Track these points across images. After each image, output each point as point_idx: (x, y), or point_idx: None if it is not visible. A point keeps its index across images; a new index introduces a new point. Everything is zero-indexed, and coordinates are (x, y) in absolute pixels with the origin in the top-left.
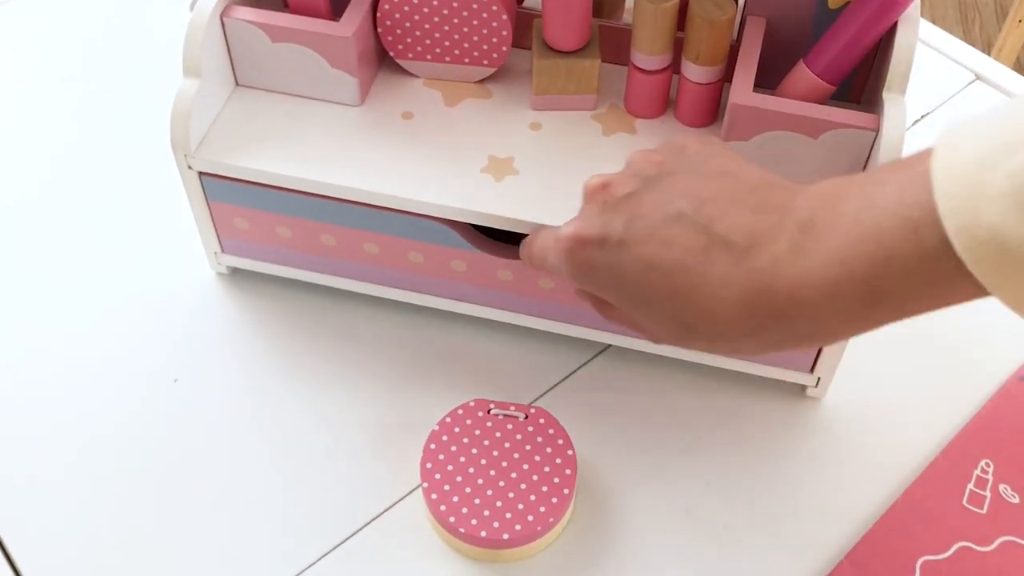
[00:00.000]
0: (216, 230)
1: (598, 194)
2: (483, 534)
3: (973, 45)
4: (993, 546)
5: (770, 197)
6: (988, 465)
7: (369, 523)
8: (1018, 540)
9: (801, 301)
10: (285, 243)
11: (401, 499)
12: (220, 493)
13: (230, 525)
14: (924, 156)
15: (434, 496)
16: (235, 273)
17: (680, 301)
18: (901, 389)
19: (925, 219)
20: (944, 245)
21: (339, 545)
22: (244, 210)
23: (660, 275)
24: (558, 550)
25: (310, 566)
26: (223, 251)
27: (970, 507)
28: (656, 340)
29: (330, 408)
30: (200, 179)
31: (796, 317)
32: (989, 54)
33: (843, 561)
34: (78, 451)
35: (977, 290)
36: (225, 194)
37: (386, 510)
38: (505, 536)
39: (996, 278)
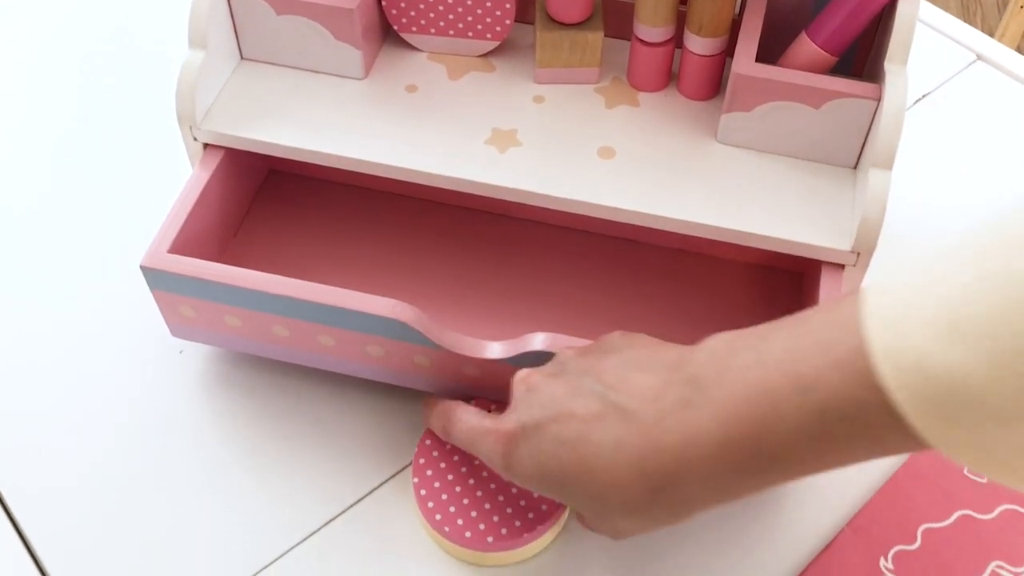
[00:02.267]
0: (162, 316)
1: (519, 387)
2: (468, 535)
3: None
4: (994, 514)
5: (663, 357)
6: None
7: (340, 514)
8: (1019, 508)
9: (688, 459)
10: (235, 331)
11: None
12: (201, 490)
13: (212, 516)
14: (827, 307)
15: (423, 492)
16: None
17: (587, 474)
18: None
19: (835, 363)
20: (858, 387)
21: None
22: (190, 300)
23: (569, 449)
24: (545, 558)
25: (285, 553)
26: (171, 334)
27: (971, 475)
28: (594, 530)
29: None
30: (142, 271)
31: (686, 476)
32: None
33: (845, 528)
34: (75, 443)
35: (894, 437)
36: (169, 284)
37: (361, 499)
38: (490, 539)
39: (924, 415)
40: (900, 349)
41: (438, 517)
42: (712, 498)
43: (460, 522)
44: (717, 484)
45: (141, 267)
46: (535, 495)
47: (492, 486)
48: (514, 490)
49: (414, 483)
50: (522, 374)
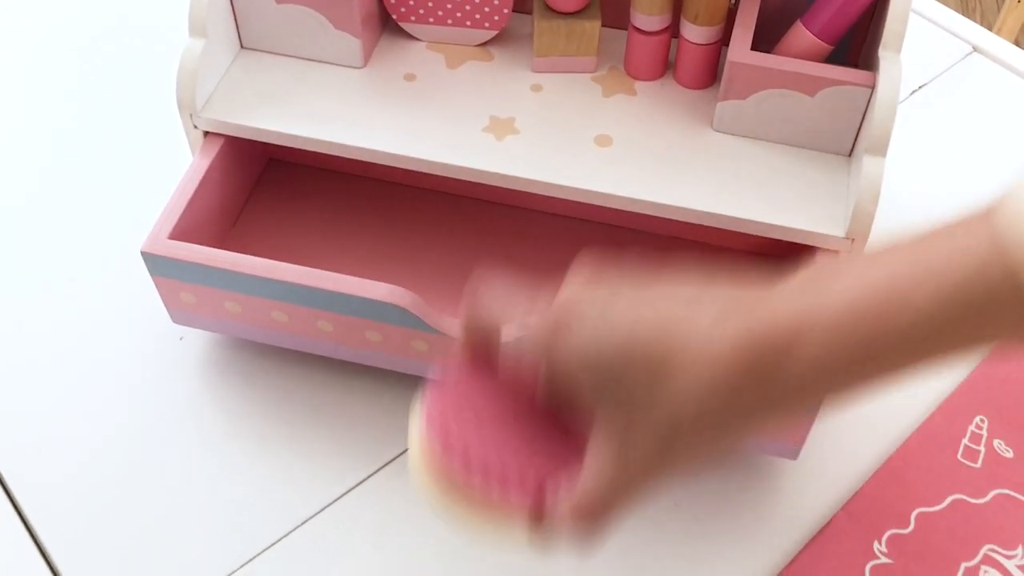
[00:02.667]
0: (163, 302)
1: (580, 273)
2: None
3: None
4: (987, 498)
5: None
6: (983, 421)
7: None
8: (1011, 492)
9: (801, 337)
10: (235, 317)
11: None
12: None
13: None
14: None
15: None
16: None
17: (665, 351)
18: None
19: (962, 249)
20: (989, 271)
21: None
22: (190, 286)
23: (648, 325)
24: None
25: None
26: (172, 321)
27: (964, 461)
28: (619, 461)
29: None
30: (143, 256)
31: (794, 358)
32: None
33: (839, 512)
34: (72, 433)
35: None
36: (169, 270)
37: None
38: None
39: None
40: None
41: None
42: (808, 392)
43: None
44: (821, 373)
45: (141, 253)
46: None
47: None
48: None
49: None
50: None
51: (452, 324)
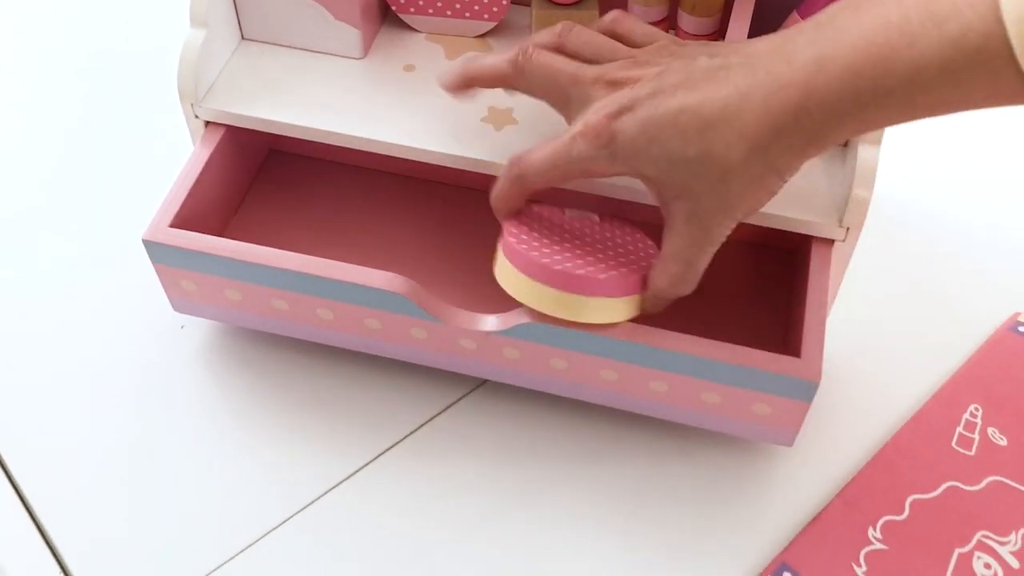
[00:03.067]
0: (164, 290)
1: (608, 87)
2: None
3: None
4: (981, 485)
5: (775, 34)
6: (977, 409)
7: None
8: (1005, 480)
9: (815, 87)
10: (235, 305)
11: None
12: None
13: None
14: None
15: (515, 233)
16: None
17: (709, 133)
18: (895, 335)
19: (967, 2)
20: (988, 22)
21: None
22: (191, 273)
23: (689, 116)
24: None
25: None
26: (173, 309)
27: (959, 449)
28: (693, 231)
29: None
30: (144, 244)
31: (811, 108)
32: None
33: (835, 499)
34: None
35: (1009, 82)
36: (170, 258)
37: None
38: (601, 276)
39: None
40: None
41: (534, 255)
42: (830, 133)
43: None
44: (839, 115)
45: (143, 241)
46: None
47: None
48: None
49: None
50: (595, 71)
51: (450, 312)
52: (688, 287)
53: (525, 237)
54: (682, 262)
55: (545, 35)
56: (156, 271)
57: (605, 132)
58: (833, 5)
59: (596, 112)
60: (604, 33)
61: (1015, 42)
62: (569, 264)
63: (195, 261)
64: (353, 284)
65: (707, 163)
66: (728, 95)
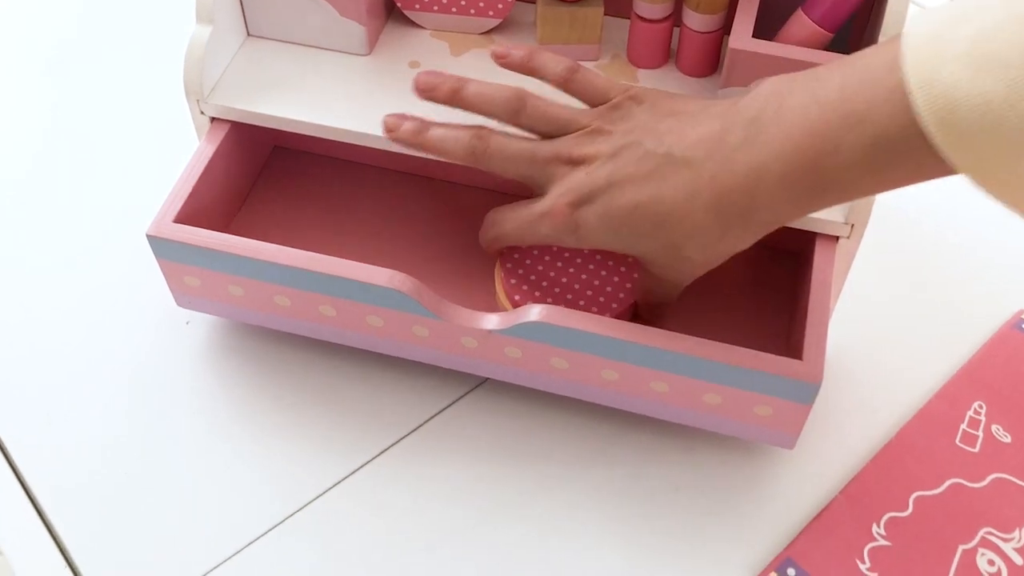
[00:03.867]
0: (168, 285)
1: (558, 165)
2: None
3: None
4: (985, 482)
5: (714, 109)
6: (981, 407)
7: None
8: (1009, 477)
9: (756, 194)
10: (238, 301)
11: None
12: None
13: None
14: (873, 49)
15: (508, 266)
16: None
17: (664, 228)
18: (899, 332)
19: (882, 99)
20: (902, 118)
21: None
22: (195, 269)
23: (643, 212)
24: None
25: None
26: (176, 304)
27: (963, 446)
28: (665, 279)
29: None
30: (148, 240)
31: (755, 209)
32: None
33: (839, 496)
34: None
35: (931, 163)
36: (174, 254)
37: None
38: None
39: (952, 139)
40: (932, 81)
41: (516, 298)
42: (778, 221)
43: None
44: (782, 211)
45: (147, 236)
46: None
47: (576, 275)
48: (596, 282)
49: (507, 282)
50: (551, 149)
51: (452, 310)
52: (665, 309)
53: (515, 281)
54: (653, 297)
55: (501, 105)
56: (160, 266)
57: (569, 220)
58: (757, 94)
59: (557, 198)
60: (558, 83)
61: (934, 131)
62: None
63: (198, 257)
64: (355, 281)
65: (668, 249)
66: (675, 196)
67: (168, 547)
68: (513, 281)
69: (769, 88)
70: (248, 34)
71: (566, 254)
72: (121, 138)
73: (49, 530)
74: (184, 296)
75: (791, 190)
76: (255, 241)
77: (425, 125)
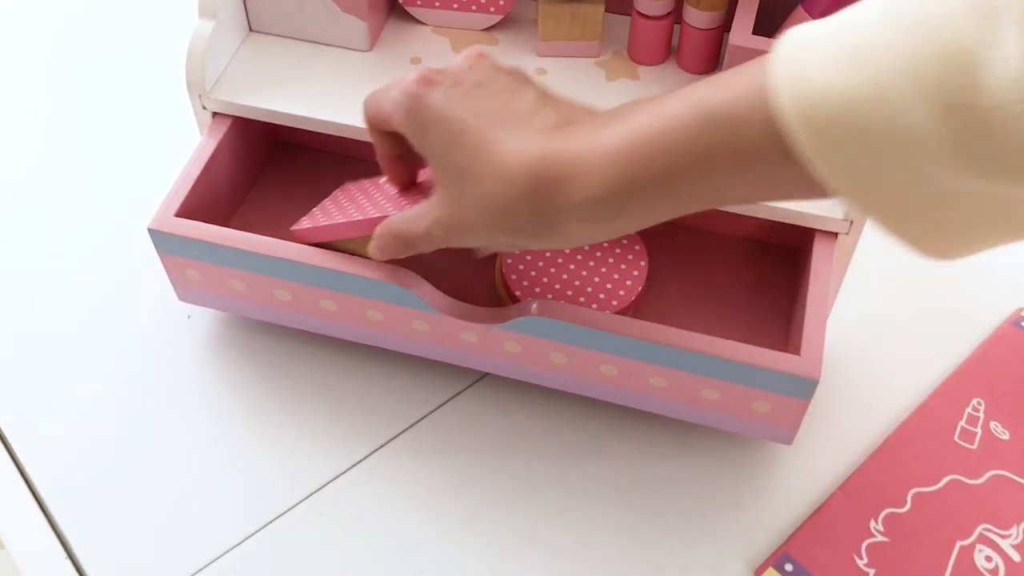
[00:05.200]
0: (169, 279)
1: (435, 72)
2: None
3: None
4: (983, 479)
5: (579, 107)
6: (979, 404)
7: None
8: (1007, 474)
9: (582, 165)
10: (239, 295)
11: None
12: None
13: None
14: (749, 63)
15: (509, 262)
16: None
17: (481, 152)
18: (899, 330)
19: (731, 88)
20: (748, 104)
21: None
22: (196, 263)
23: (478, 126)
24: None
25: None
26: (178, 299)
27: (961, 443)
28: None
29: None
30: (149, 233)
31: (572, 184)
32: None
33: (836, 491)
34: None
35: (788, 171)
36: (175, 248)
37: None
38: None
39: (813, 139)
40: (798, 79)
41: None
42: (580, 222)
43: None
44: (600, 201)
45: (148, 230)
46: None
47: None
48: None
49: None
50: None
51: (451, 304)
52: (406, 246)
53: (515, 276)
54: (421, 227)
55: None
56: (161, 260)
57: (419, 96)
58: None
59: (427, 72)
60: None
61: (796, 129)
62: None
63: (200, 251)
64: (356, 276)
65: (475, 179)
66: (511, 137)
67: (168, 539)
68: (514, 276)
69: (628, 103)
70: (250, 29)
71: (567, 250)
72: (123, 132)
73: (50, 521)
74: (185, 290)
75: (619, 170)
76: (256, 235)
77: None
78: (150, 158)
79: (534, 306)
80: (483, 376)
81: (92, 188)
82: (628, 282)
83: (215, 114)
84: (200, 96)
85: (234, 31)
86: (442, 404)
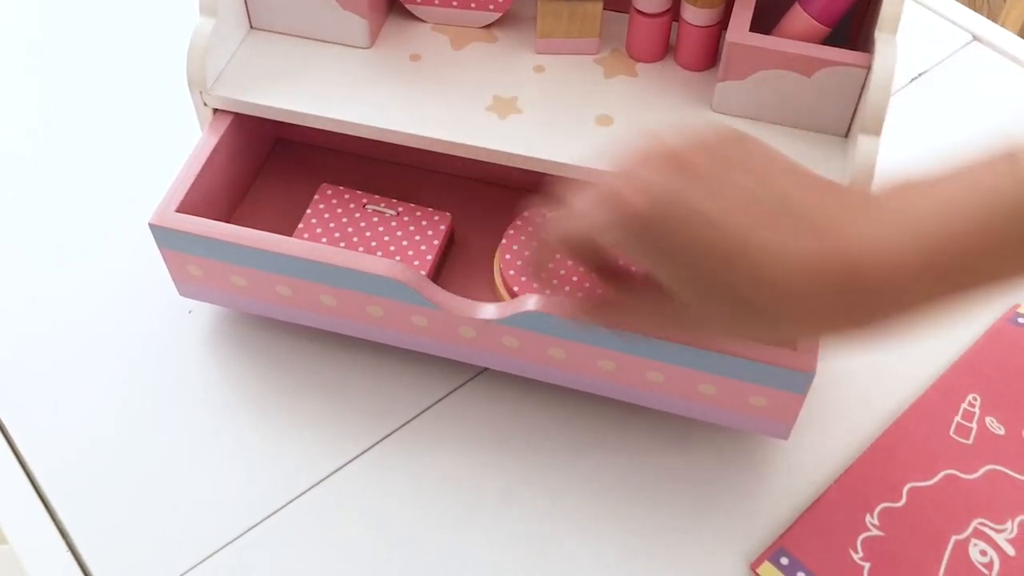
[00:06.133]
0: (170, 275)
1: (654, 159)
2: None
3: None
4: (978, 474)
5: (843, 189)
6: (975, 399)
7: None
8: (1002, 469)
9: (897, 274)
10: (240, 291)
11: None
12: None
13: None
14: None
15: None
16: None
17: (740, 268)
18: None
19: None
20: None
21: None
22: (197, 259)
23: (725, 247)
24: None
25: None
26: (179, 294)
27: (956, 438)
28: (687, 326)
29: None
30: (151, 229)
31: (869, 290)
32: None
33: (832, 486)
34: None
35: None
36: (176, 243)
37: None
38: None
39: None
40: None
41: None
42: (892, 314)
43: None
44: (890, 300)
45: (150, 225)
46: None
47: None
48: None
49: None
50: (652, 147)
51: (450, 300)
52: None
53: (514, 272)
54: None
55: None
56: (162, 256)
57: (627, 209)
58: (892, 186)
59: (633, 179)
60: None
61: None
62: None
63: (201, 246)
64: (356, 271)
65: (722, 293)
66: (782, 247)
67: (169, 533)
68: (512, 272)
69: (899, 182)
70: (251, 26)
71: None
72: (124, 129)
73: (52, 517)
74: (186, 285)
75: (912, 271)
76: (256, 231)
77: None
78: (151, 155)
79: (532, 301)
80: (481, 372)
81: (93, 185)
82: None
83: (216, 111)
84: (201, 93)
85: (235, 28)
86: (440, 399)
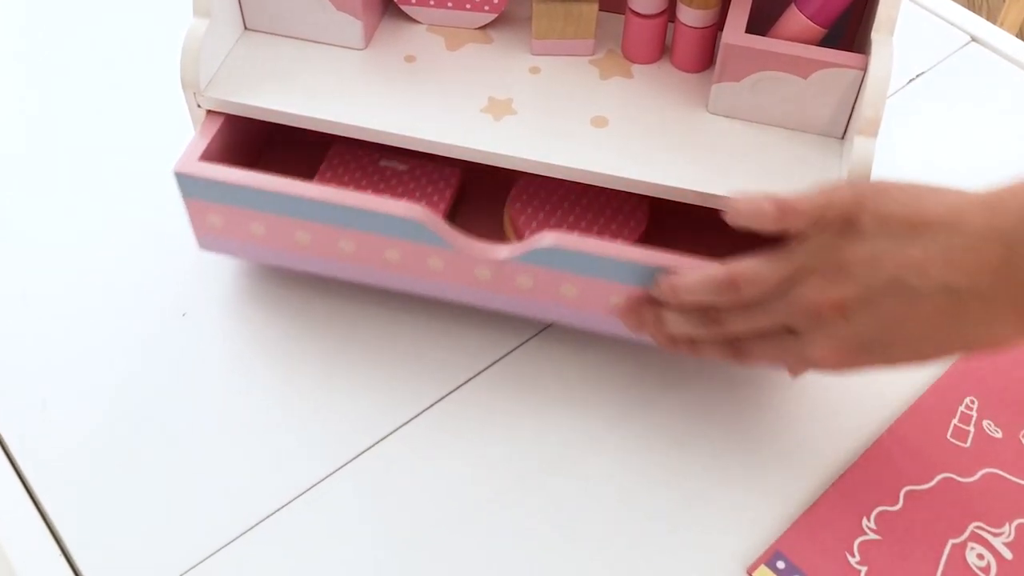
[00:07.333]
0: (191, 226)
1: (815, 319)
2: None
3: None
4: (976, 477)
5: (966, 217)
6: (973, 402)
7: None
8: (1000, 472)
9: None
10: (259, 240)
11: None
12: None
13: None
14: None
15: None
16: None
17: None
18: None
19: None
20: None
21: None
22: (218, 206)
23: (934, 355)
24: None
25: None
26: (199, 247)
27: (954, 441)
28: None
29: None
30: (176, 177)
31: None
32: None
33: (829, 489)
34: (92, 376)
35: None
36: (200, 191)
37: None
38: None
39: None
40: None
41: None
42: None
43: None
44: None
45: (175, 173)
46: None
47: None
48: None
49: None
50: (793, 316)
51: (466, 241)
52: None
53: (524, 219)
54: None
55: (715, 293)
56: (186, 205)
57: (844, 369)
58: (1000, 199)
59: (827, 351)
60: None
61: None
62: None
63: (224, 193)
64: (375, 212)
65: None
66: (974, 333)
67: (162, 535)
68: (523, 218)
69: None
70: (245, 28)
71: (573, 195)
72: (117, 129)
73: (44, 518)
74: (207, 237)
75: None
76: (278, 177)
77: (656, 314)
78: (143, 155)
79: (548, 238)
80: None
81: (85, 185)
82: (632, 223)
83: (209, 112)
84: (195, 94)
85: (229, 29)
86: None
